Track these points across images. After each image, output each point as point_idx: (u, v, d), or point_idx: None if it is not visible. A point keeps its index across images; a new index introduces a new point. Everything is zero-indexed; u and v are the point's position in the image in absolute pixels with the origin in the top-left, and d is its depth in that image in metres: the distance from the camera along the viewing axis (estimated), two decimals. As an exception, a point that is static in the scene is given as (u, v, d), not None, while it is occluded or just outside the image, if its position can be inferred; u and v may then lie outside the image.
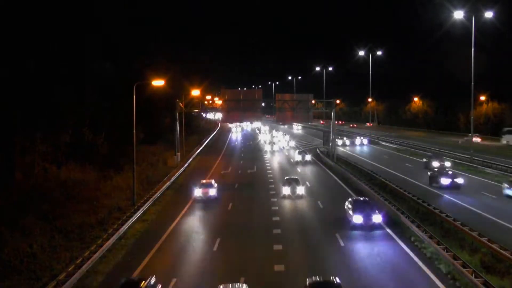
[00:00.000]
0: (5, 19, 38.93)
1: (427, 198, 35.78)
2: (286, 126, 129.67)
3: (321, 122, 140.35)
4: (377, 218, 28.87)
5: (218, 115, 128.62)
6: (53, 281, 20.33)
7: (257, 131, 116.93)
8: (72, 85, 46.66)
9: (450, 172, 44.24)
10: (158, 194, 39.61)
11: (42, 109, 42.51)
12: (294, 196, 38.72)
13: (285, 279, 21.69)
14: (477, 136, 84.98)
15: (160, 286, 19.11)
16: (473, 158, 57.49)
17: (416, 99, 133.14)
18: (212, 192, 38.73)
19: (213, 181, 40.95)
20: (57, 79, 44.83)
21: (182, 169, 54.74)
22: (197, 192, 38.75)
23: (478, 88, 71.43)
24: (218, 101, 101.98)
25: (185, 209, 36.19)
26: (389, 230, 28.44)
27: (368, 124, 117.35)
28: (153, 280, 18.71)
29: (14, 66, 39.39)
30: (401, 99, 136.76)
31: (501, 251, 23.17)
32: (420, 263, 23.09)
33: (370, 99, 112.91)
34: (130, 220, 30.61)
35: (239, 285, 17.76)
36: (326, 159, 62.90)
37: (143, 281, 18.25)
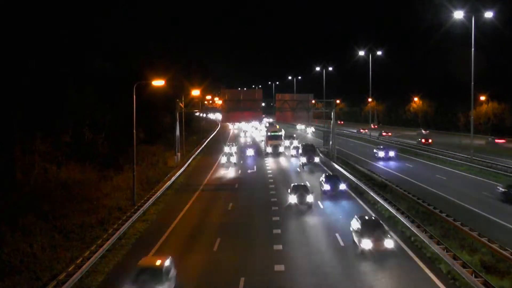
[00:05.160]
0: (6, 19, 38.96)
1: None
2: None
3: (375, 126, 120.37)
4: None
5: (218, 115, 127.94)
6: (53, 281, 20.36)
7: None
8: (72, 85, 46.66)
9: None
10: (158, 194, 39.60)
11: (42, 109, 42.51)
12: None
13: (285, 277, 21.77)
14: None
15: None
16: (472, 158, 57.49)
17: (416, 99, 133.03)
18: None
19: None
20: (57, 79, 44.84)
21: (182, 169, 54.69)
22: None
23: (478, 88, 71.30)
24: (218, 101, 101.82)
25: (185, 209, 36.20)
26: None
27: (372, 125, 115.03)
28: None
29: (14, 66, 39.43)
30: (401, 99, 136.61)
31: (501, 251, 23.18)
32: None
33: (370, 99, 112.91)
34: (130, 220, 30.64)
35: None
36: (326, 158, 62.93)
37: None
